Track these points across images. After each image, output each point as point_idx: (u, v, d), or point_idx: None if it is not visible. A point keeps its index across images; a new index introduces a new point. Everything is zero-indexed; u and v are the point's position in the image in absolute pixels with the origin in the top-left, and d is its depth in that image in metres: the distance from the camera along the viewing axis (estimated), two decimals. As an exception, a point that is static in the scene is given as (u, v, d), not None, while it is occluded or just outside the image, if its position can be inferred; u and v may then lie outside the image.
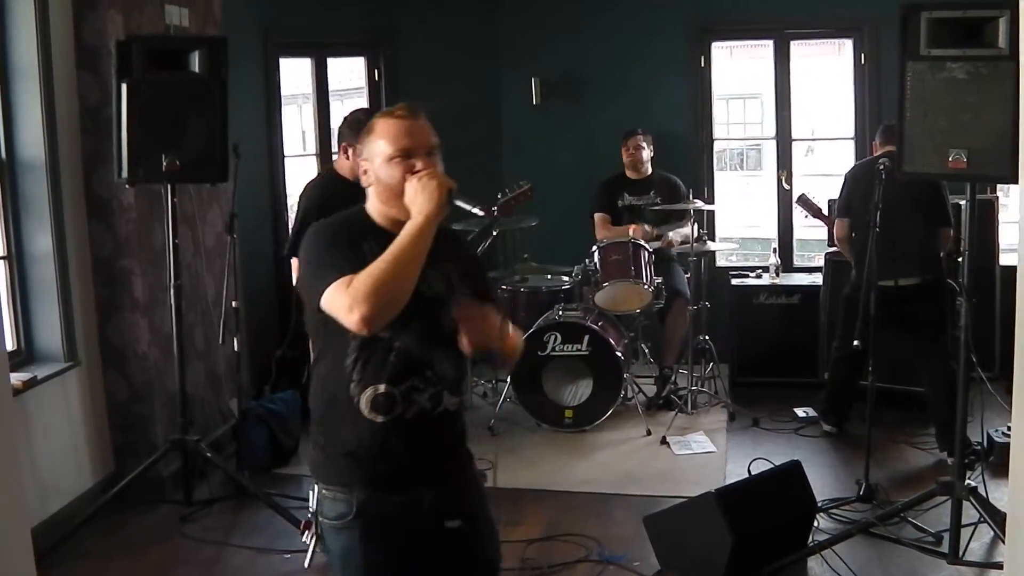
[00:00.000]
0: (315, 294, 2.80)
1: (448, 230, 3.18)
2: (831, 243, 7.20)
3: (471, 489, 3.16)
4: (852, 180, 6.47)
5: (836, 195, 6.67)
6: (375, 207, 2.99)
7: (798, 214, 7.38)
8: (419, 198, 2.81)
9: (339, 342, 2.90)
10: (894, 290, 5.89)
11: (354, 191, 5.41)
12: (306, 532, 3.06)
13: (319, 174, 6.13)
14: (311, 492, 3.04)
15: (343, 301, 2.71)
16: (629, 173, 7.77)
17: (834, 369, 6.65)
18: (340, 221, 3.03)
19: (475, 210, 3.03)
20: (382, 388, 2.90)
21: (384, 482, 2.94)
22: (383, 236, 2.85)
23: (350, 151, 5.19)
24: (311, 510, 3.04)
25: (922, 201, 6.03)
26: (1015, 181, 3.75)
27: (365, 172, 2.98)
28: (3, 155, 5.39)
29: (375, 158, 2.94)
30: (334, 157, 5.78)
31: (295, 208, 5.17)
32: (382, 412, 2.91)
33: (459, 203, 2.86)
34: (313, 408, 3.07)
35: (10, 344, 5.35)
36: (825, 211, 6.95)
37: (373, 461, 2.93)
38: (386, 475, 2.95)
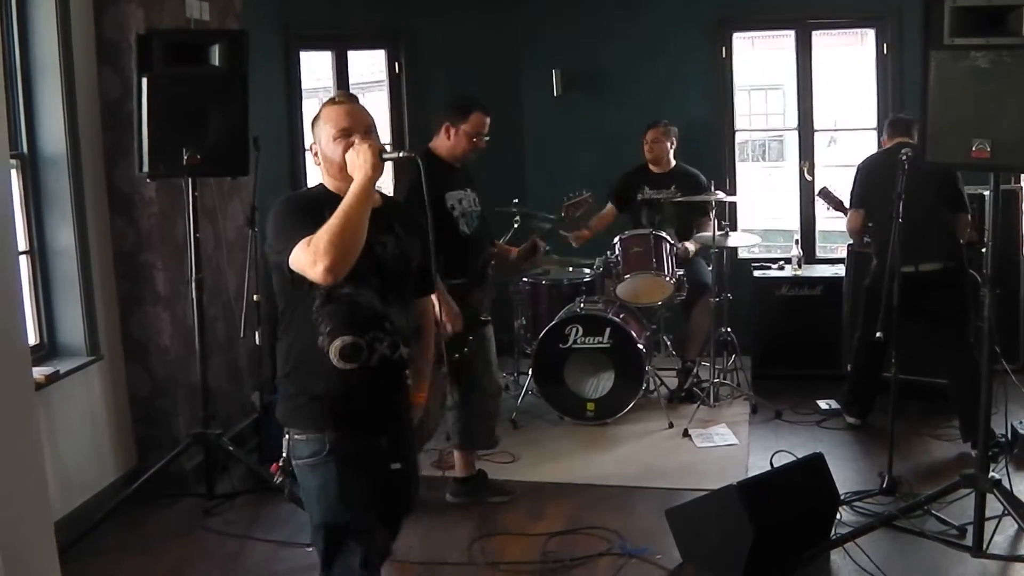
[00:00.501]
0: (284, 256, 3.24)
1: (394, 200, 3.79)
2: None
3: (409, 435, 3.71)
4: (866, 172, 6.45)
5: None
6: (329, 182, 3.47)
7: (820, 206, 7.33)
8: (357, 164, 3.27)
9: (305, 300, 3.35)
10: (915, 276, 5.83)
11: (451, 169, 5.41)
12: (277, 474, 3.55)
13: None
14: (283, 440, 3.47)
15: (308, 257, 3.14)
16: (652, 166, 7.74)
17: (856, 360, 6.63)
18: (301, 194, 3.69)
19: (402, 154, 3.58)
20: (349, 338, 3.35)
21: (352, 424, 3.41)
22: (338, 203, 3.21)
23: (451, 131, 5.45)
24: (283, 455, 3.48)
25: (941, 189, 6.01)
26: (1039, 171, 3.73)
27: (315, 153, 3.47)
28: (25, 150, 5.41)
29: (321, 139, 3.44)
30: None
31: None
32: (351, 359, 3.35)
33: (388, 157, 3.32)
34: (281, 363, 3.50)
35: (33, 338, 5.37)
36: (847, 204, 6.91)
37: (343, 404, 3.39)
38: (353, 417, 3.41)
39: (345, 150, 3.34)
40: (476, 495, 5.75)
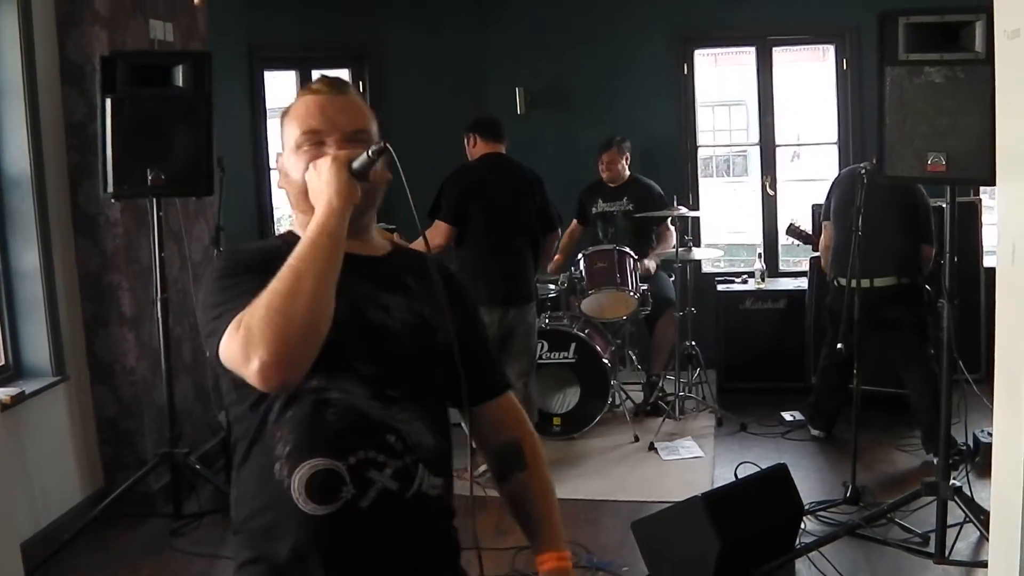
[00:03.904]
0: (212, 345, 2.02)
1: (409, 247, 2.61)
2: (815, 248, 7.28)
3: None
4: (836, 186, 6.52)
5: (822, 201, 6.72)
6: (299, 221, 2.25)
7: (785, 220, 7.42)
8: (316, 188, 2.11)
9: (257, 409, 2.12)
10: (871, 292, 5.91)
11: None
12: None
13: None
14: None
15: (236, 346, 1.93)
16: (607, 181, 7.81)
17: (823, 377, 6.68)
18: (253, 247, 2.31)
19: (372, 151, 2.09)
20: (320, 463, 2.06)
21: None
22: None
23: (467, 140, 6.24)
24: None
25: (902, 209, 6.09)
26: (993, 183, 3.79)
27: (281, 172, 2.27)
28: (-11, 172, 5.41)
29: (285, 148, 2.24)
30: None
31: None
32: (325, 498, 2.06)
33: (359, 167, 2.10)
34: (235, 513, 2.21)
35: (-2, 360, 5.37)
36: (809, 228, 7.03)
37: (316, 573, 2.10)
38: None
39: (308, 164, 2.16)
40: None
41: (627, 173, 7.79)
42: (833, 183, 6.61)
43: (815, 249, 7.08)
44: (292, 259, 1.98)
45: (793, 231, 6.96)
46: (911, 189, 6.00)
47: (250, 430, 2.13)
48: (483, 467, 3.67)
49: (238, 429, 2.18)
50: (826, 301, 6.58)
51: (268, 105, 7.97)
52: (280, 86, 8.73)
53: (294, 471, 2.06)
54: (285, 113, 2.26)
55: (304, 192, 2.15)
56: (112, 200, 5.51)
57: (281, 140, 2.26)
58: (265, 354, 1.88)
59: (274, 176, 7.99)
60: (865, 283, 5.76)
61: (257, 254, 2.19)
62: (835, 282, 6.36)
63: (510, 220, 6.14)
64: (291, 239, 2.13)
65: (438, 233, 5.98)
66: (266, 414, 2.10)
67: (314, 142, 2.18)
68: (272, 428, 2.10)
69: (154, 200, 5.48)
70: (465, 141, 6.35)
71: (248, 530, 2.16)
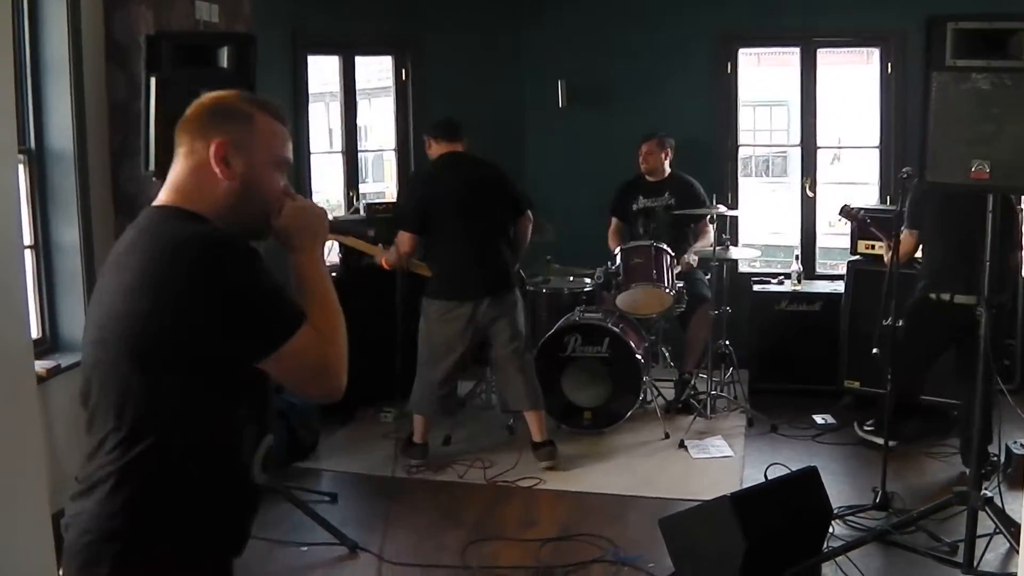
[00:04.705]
0: (274, 336, 2.21)
1: None
2: (854, 251, 7.20)
3: None
4: (928, 194, 5.95)
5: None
6: (216, 214, 2.35)
7: (823, 222, 7.28)
8: (303, 227, 2.39)
9: (218, 397, 2.27)
10: (967, 309, 5.45)
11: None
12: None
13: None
14: None
15: (328, 360, 2.27)
16: (647, 176, 7.81)
17: (906, 386, 6.18)
18: (241, 241, 2.30)
19: (363, 246, 2.39)
20: (270, 439, 2.43)
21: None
22: None
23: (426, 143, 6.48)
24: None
25: (1003, 221, 5.83)
26: (1037, 192, 3.76)
27: (228, 166, 2.33)
28: (33, 146, 5.45)
29: (258, 156, 2.36)
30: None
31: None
32: (269, 467, 2.42)
33: (343, 239, 2.45)
34: (161, 502, 2.26)
35: (35, 332, 5.40)
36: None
37: (241, 537, 2.44)
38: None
39: (282, 188, 2.40)
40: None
41: (668, 169, 7.77)
42: (919, 192, 6.02)
43: (865, 237, 6.93)
44: (333, 300, 2.34)
45: (848, 212, 6.66)
46: (1007, 197, 5.63)
47: (201, 411, 2.26)
48: None
49: (176, 405, 2.24)
50: (906, 307, 6.09)
51: (311, 90, 7.99)
52: (323, 71, 8.75)
53: (255, 452, 2.38)
54: (249, 119, 2.36)
55: (262, 204, 2.36)
56: (153, 179, 5.54)
57: (237, 141, 2.34)
58: (343, 382, 2.27)
59: (315, 160, 8.12)
60: (970, 299, 5.52)
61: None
62: (931, 296, 5.98)
63: (473, 214, 6.23)
64: (217, 229, 2.29)
65: (403, 242, 6.19)
66: (229, 398, 2.30)
67: (283, 171, 2.41)
68: (242, 416, 2.34)
69: (194, 181, 5.49)
70: (425, 145, 6.54)
71: (181, 517, 2.30)
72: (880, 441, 6.20)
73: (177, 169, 2.41)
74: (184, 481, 2.25)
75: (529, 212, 6.48)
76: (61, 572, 2.33)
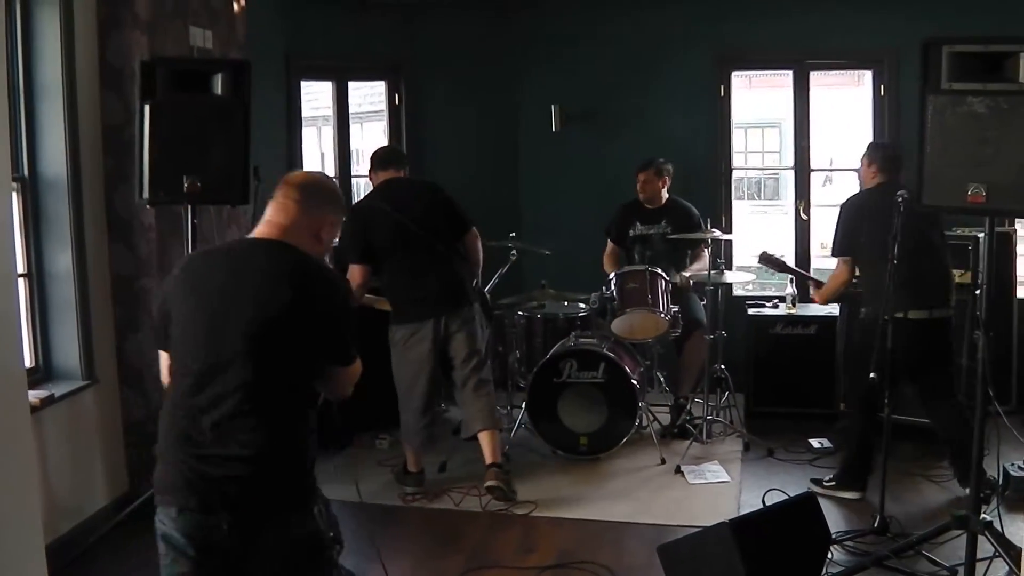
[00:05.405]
0: (348, 353, 3.34)
1: None
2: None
3: None
4: (865, 219, 5.98)
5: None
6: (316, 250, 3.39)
7: (816, 245, 7.31)
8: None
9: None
10: (908, 323, 5.75)
11: None
12: None
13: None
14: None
15: (354, 380, 3.44)
16: (645, 203, 7.79)
17: (854, 427, 6.13)
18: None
19: None
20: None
21: None
22: None
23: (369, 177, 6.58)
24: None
25: (936, 237, 5.94)
26: (1035, 215, 3.75)
27: (323, 240, 3.40)
28: (26, 173, 5.44)
29: (332, 228, 3.42)
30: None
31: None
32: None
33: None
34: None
35: (28, 361, 5.35)
36: (789, 264, 6.86)
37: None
38: None
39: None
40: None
41: (666, 196, 7.76)
42: (844, 208, 6.11)
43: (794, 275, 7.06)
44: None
45: (767, 259, 6.74)
46: (936, 215, 5.84)
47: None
48: None
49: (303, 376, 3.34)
50: (855, 337, 6.25)
51: (304, 114, 7.99)
52: (316, 95, 8.75)
53: None
54: (336, 199, 3.44)
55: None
56: (147, 206, 5.53)
57: (335, 229, 3.44)
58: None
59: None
60: (923, 315, 5.69)
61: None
62: (884, 317, 5.65)
63: (416, 236, 6.21)
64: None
65: (353, 275, 6.17)
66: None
67: None
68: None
69: (189, 207, 5.47)
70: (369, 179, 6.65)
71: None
72: (846, 495, 6.11)
73: (285, 218, 3.27)
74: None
75: (474, 228, 6.47)
76: None
